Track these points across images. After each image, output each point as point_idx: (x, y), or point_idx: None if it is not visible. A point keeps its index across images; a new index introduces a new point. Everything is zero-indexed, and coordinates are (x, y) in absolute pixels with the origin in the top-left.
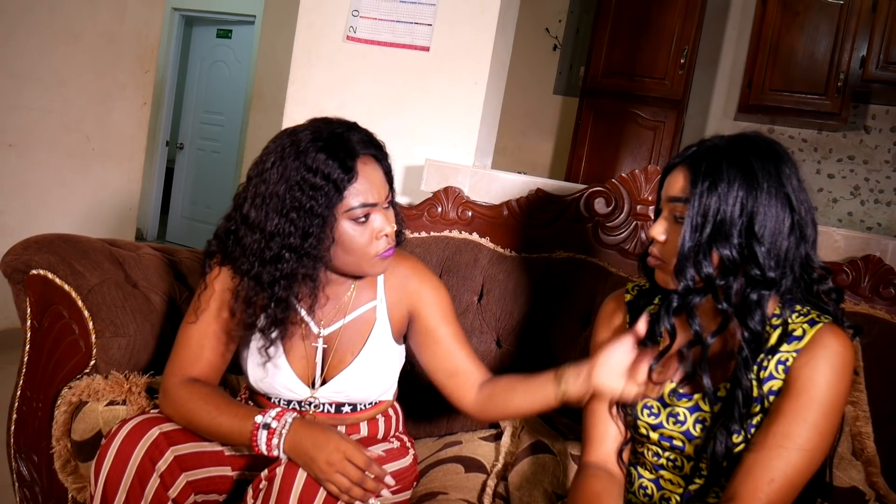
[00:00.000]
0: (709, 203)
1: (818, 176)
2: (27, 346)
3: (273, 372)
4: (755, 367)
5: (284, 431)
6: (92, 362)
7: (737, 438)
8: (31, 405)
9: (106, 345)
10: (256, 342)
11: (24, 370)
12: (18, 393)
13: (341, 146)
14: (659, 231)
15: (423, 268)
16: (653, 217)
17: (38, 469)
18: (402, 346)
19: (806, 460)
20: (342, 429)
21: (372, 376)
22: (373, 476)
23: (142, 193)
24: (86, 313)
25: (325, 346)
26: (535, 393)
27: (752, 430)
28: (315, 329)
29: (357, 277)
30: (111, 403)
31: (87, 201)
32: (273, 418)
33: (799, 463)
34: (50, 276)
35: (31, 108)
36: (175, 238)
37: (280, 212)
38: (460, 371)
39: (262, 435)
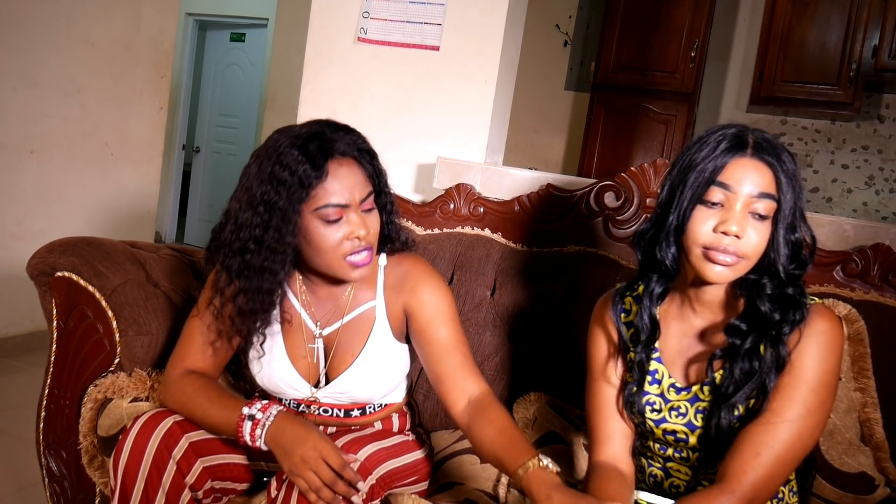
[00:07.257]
0: (792, 198)
1: (832, 166)
2: (54, 346)
3: (275, 367)
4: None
5: (268, 423)
6: (116, 360)
7: (737, 411)
8: (58, 403)
9: (129, 343)
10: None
11: (51, 369)
12: (46, 391)
13: (317, 144)
14: (742, 228)
15: (424, 267)
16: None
17: (66, 464)
18: (407, 346)
19: (795, 434)
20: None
21: (374, 376)
22: (346, 480)
23: (159, 197)
24: (109, 313)
25: (325, 346)
26: (501, 462)
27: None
28: (314, 329)
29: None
30: (135, 400)
31: (106, 205)
32: (259, 410)
33: (788, 437)
34: (74, 277)
35: (51, 116)
36: (193, 240)
37: (251, 204)
38: (447, 379)
39: (247, 426)
